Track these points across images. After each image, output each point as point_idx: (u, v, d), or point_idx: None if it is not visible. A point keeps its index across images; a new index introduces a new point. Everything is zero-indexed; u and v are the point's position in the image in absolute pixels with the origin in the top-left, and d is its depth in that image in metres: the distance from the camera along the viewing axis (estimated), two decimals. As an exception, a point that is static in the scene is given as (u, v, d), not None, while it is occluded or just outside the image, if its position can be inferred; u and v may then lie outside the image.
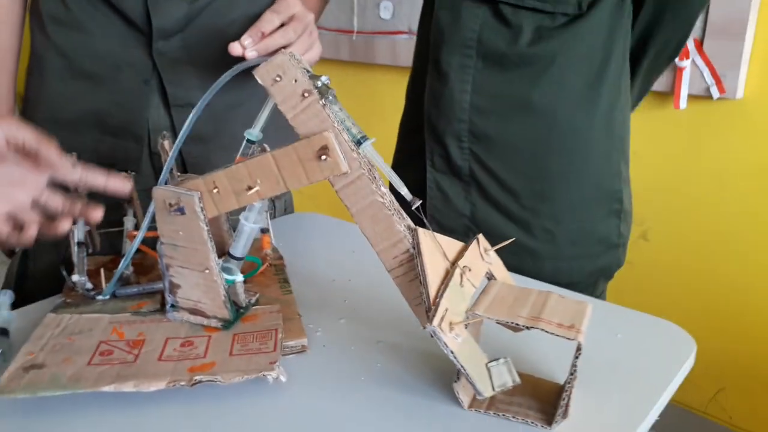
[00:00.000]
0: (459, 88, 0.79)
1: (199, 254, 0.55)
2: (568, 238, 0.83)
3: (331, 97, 0.49)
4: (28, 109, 0.84)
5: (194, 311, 0.58)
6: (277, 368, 0.50)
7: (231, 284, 0.58)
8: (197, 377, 0.50)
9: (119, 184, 0.60)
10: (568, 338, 0.45)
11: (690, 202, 1.36)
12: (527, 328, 0.47)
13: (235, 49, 0.64)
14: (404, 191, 0.51)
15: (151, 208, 0.56)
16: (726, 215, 1.32)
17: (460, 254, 0.51)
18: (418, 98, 0.87)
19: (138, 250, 0.61)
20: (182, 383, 0.50)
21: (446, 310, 0.46)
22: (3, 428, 0.49)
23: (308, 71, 0.49)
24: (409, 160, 0.91)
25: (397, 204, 0.51)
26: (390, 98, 1.91)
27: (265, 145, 0.56)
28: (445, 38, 0.79)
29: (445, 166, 0.83)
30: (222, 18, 0.80)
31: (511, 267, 0.60)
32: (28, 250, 0.82)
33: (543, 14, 0.76)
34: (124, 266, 0.61)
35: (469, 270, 0.50)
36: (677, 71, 1.25)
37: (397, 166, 0.96)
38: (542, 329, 0.46)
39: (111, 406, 0.50)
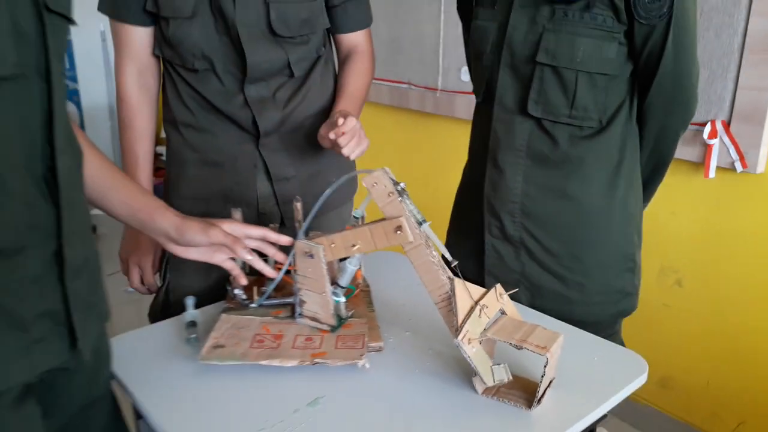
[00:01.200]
0: (513, 179, 1.08)
1: (319, 283, 0.88)
2: (595, 290, 1.09)
3: (405, 196, 0.81)
4: (170, 189, 1.18)
5: (313, 319, 0.91)
6: (364, 359, 0.82)
7: (337, 303, 0.91)
8: (316, 360, 0.83)
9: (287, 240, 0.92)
10: (541, 354, 0.74)
11: (718, 256, 1.57)
12: (518, 347, 0.76)
13: (340, 151, 0.98)
14: (447, 255, 0.81)
15: (292, 252, 0.89)
16: (747, 267, 1.51)
17: (482, 296, 0.81)
18: (476, 183, 1.15)
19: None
20: (307, 363, 0.82)
21: (467, 331, 0.76)
22: (210, 378, 0.83)
23: (392, 179, 0.81)
24: (467, 227, 1.19)
25: (442, 262, 0.81)
26: (464, 146, 2.21)
27: (364, 215, 0.88)
28: (502, 144, 1.08)
29: (500, 234, 1.11)
30: (304, 116, 1.14)
31: (552, 311, 0.90)
32: (169, 287, 1.18)
33: (574, 127, 1.03)
34: (271, 289, 0.94)
35: (486, 307, 0.80)
36: (708, 147, 1.47)
37: (455, 232, 1.25)
38: (527, 348, 0.75)
39: (263, 373, 0.83)
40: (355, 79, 1.15)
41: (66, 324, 0.66)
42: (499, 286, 0.84)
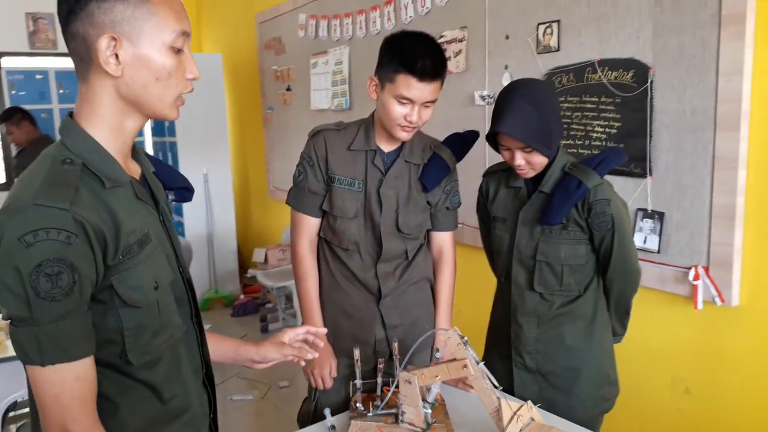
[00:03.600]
0: (528, 330, 1.63)
1: (414, 400, 1.40)
2: (587, 397, 1.61)
3: (468, 345, 1.33)
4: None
5: (410, 424, 1.42)
6: (445, 449, 1.32)
7: (426, 413, 1.41)
8: (415, 450, 1.33)
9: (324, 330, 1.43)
10: (554, 446, 1.22)
11: (716, 369, 1.98)
12: (541, 441, 1.24)
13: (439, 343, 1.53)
14: (495, 382, 1.32)
15: (396, 380, 1.41)
16: (739, 378, 1.91)
17: (519, 408, 1.30)
18: (502, 331, 1.69)
19: (383, 393, 1.47)
20: (410, 452, 1.33)
21: (508, 431, 1.25)
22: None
23: (459, 335, 1.34)
24: (498, 359, 1.70)
25: (491, 386, 1.32)
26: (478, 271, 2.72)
27: (438, 357, 1.41)
28: (519, 309, 1.64)
29: (523, 366, 1.65)
30: (409, 284, 1.70)
31: (560, 414, 1.39)
32: (317, 400, 1.70)
33: (563, 296, 1.59)
34: (382, 405, 1.46)
35: (521, 416, 1.29)
36: (694, 286, 1.94)
37: (487, 361, 1.74)
38: (546, 442, 1.23)
39: (383, 458, 1.33)
40: (447, 293, 1.75)
41: None
42: (530, 402, 1.33)
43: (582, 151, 2.27)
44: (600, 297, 1.62)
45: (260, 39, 4.73)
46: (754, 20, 1.76)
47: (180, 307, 1.04)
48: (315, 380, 1.69)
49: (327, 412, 1.52)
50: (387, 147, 1.66)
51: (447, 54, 2.83)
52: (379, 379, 1.57)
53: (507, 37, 2.55)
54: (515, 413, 1.28)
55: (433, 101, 1.55)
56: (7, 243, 0.82)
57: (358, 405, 1.51)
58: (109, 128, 0.94)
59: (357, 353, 1.54)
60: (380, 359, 1.56)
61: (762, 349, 1.86)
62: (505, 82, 2.56)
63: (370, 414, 1.49)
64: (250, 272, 4.48)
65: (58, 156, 0.91)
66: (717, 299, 1.90)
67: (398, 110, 1.53)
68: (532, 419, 1.31)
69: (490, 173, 1.75)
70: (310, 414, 1.71)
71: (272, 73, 4.56)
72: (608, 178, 1.56)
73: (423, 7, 2.98)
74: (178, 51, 0.93)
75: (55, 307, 0.83)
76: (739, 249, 1.87)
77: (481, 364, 1.32)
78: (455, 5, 2.81)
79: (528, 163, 1.52)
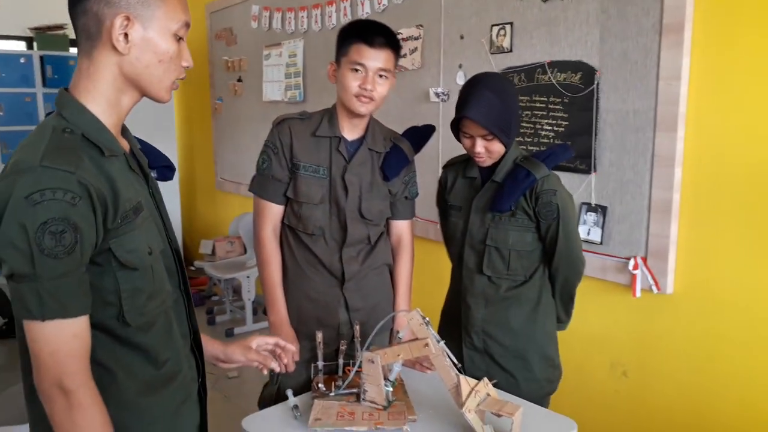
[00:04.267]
0: (476, 311, 1.71)
1: (377, 379, 1.45)
2: (531, 378, 1.70)
3: (429, 325, 1.39)
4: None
5: (372, 402, 1.47)
6: (406, 425, 1.38)
7: (387, 391, 1.47)
8: (378, 427, 1.38)
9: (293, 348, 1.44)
10: (510, 417, 1.30)
11: (652, 353, 2.13)
12: (498, 415, 1.32)
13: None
14: (455, 360, 1.39)
15: (359, 359, 1.46)
16: (672, 361, 2.06)
17: (476, 385, 1.37)
18: (453, 312, 1.77)
19: (344, 372, 1.52)
20: (372, 428, 1.38)
21: (467, 405, 1.33)
22: (312, 439, 1.38)
23: (422, 316, 1.40)
24: (450, 339, 1.73)
25: (451, 364, 1.38)
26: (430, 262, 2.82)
27: (400, 337, 1.47)
28: (468, 291, 1.72)
29: (472, 346, 1.72)
30: (372, 269, 1.75)
31: (508, 392, 1.47)
32: (279, 383, 1.73)
33: (510, 280, 1.68)
34: (345, 385, 1.51)
35: (477, 391, 1.36)
36: (633, 275, 2.08)
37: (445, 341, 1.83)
38: (502, 415, 1.31)
39: (347, 434, 1.38)
40: (406, 278, 1.81)
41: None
42: (485, 378, 1.41)
43: (531, 147, 2.38)
44: (545, 284, 1.71)
45: (210, 29, 4.68)
46: (691, 29, 1.91)
47: (170, 276, 1.08)
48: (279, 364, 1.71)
49: (289, 392, 1.55)
50: (350, 135, 1.71)
51: (402, 51, 2.90)
52: (341, 361, 1.61)
53: (462, 37, 2.64)
54: (473, 389, 1.36)
55: (386, 71, 1.62)
56: (15, 201, 0.86)
57: (320, 386, 1.55)
58: (107, 103, 1.00)
59: (320, 336, 1.58)
60: (342, 341, 1.61)
61: (692, 334, 2.02)
62: (460, 81, 2.65)
63: (333, 394, 1.53)
64: (197, 264, 4.42)
65: (58, 126, 0.94)
66: (654, 287, 2.04)
67: (353, 79, 1.61)
68: (488, 394, 1.39)
69: (449, 165, 1.84)
70: (273, 397, 1.73)
71: (223, 63, 4.52)
72: (557, 173, 1.66)
73: (380, 3, 3.04)
74: (179, 39, 1.01)
75: (57, 265, 0.87)
76: (675, 240, 2.01)
77: (442, 342, 1.39)
78: (411, 4, 2.88)
79: (487, 150, 1.60)
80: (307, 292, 1.72)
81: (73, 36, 4.91)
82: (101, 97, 0.99)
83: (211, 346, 1.30)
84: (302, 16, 3.61)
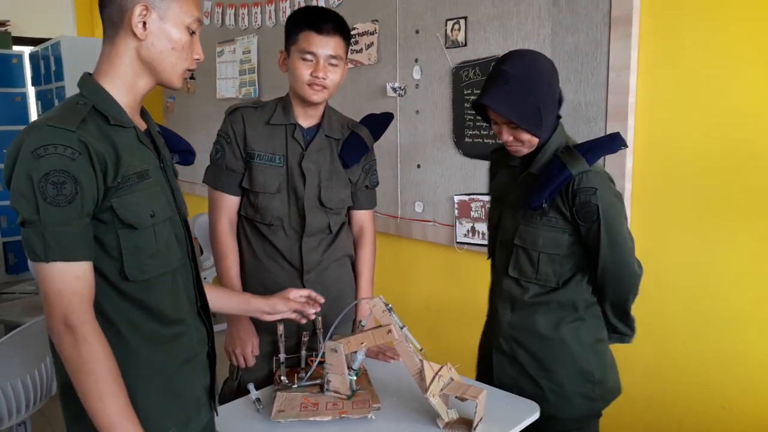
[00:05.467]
0: (501, 314, 1.56)
1: (340, 368, 1.44)
2: (561, 393, 1.50)
3: (392, 312, 1.39)
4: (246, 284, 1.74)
5: (336, 392, 1.46)
6: (371, 413, 1.37)
7: (351, 380, 1.46)
8: (342, 415, 1.37)
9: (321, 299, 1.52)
10: (473, 400, 1.31)
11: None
12: (462, 399, 1.33)
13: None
14: (418, 345, 1.39)
15: (322, 348, 1.45)
16: (618, 357, 2.11)
17: (439, 369, 1.38)
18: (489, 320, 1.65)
19: (307, 364, 1.50)
20: (337, 417, 1.37)
21: (432, 389, 1.33)
22: (277, 429, 1.36)
23: (384, 303, 1.40)
24: (486, 341, 1.66)
25: (414, 350, 1.39)
26: (421, 261, 2.83)
27: (363, 325, 1.46)
28: (495, 292, 1.59)
29: (500, 350, 1.56)
30: (333, 259, 1.74)
31: (536, 400, 1.45)
32: (240, 378, 1.71)
33: (539, 285, 1.49)
34: (308, 376, 1.49)
35: (442, 376, 1.37)
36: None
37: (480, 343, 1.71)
38: (466, 398, 1.32)
39: (308, 426, 1.37)
40: (368, 268, 1.80)
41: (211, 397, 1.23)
42: (449, 363, 1.42)
43: (487, 140, 2.41)
44: (583, 292, 1.50)
45: (161, 26, 4.57)
46: (638, 22, 1.97)
47: (179, 243, 1.18)
48: (237, 359, 1.68)
49: (251, 386, 1.53)
50: (306, 123, 1.69)
51: (359, 47, 2.90)
52: (304, 353, 1.60)
53: (417, 32, 2.65)
54: (436, 374, 1.36)
55: (336, 58, 1.61)
56: (23, 155, 1.00)
57: (282, 378, 1.53)
58: (124, 84, 1.13)
59: (281, 328, 1.56)
60: (305, 332, 1.59)
61: (645, 322, 2.07)
62: (416, 75, 2.67)
63: (295, 386, 1.51)
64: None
65: (74, 99, 1.09)
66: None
67: (304, 67, 1.59)
68: (452, 379, 1.40)
69: (495, 151, 1.70)
70: (233, 392, 1.70)
71: (175, 61, 4.42)
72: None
73: (335, -2, 3.03)
74: (192, 33, 1.15)
75: (59, 212, 0.99)
76: (627, 228, 2.07)
77: (405, 329, 1.39)
78: (367, -1, 2.88)
79: (516, 139, 1.44)
80: (267, 285, 1.69)
81: (15, 34, 4.73)
82: (118, 78, 1.12)
83: (255, 301, 1.45)
84: (256, 12, 3.57)
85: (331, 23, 1.59)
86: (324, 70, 1.59)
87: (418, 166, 2.71)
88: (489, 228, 1.67)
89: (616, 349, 1.62)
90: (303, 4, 3.23)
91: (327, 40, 1.58)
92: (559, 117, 1.50)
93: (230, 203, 1.70)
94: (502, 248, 1.57)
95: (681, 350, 1.99)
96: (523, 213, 1.48)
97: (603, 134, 2.06)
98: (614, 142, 1.46)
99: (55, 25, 5.21)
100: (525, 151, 1.47)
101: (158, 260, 1.12)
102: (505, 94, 1.39)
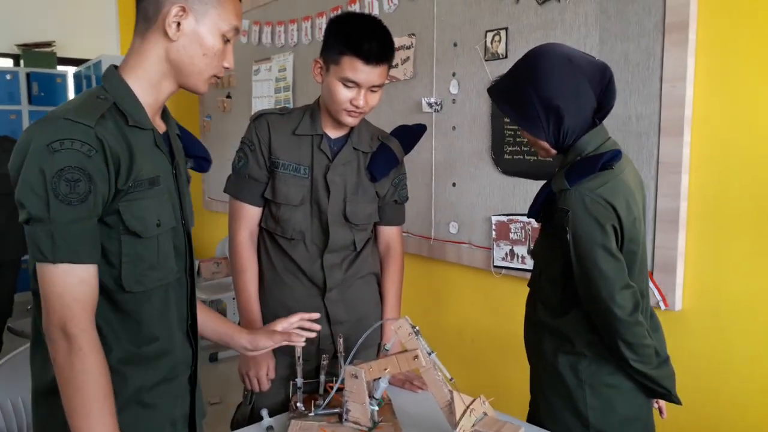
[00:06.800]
0: (524, 328, 1.48)
1: (361, 396, 1.30)
2: (558, 423, 1.36)
3: (419, 335, 1.25)
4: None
5: (356, 422, 1.32)
6: (394, 447, 1.22)
7: (373, 410, 1.32)
8: (361, 449, 1.23)
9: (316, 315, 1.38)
10: (510, 439, 1.15)
11: (657, 375, 1.99)
12: (496, 435, 1.17)
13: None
14: (448, 374, 1.24)
15: (342, 374, 1.32)
16: (683, 378, 1.92)
17: (471, 403, 1.23)
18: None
19: (326, 390, 1.37)
20: (355, 451, 1.22)
21: (462, 425, 1.18)
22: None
23: (411, 324, 1.26)
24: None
25: (444, 380, 1.24)
26: (455, 286, 2.68)
27: (387, 349, 1.32)
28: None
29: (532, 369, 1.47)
30: (356, 277, 1.61)
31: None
32: (254, 403, 1.58)
33: (543, 305, 1.39)
34: (325, 403, 1.36)
35: (474, 410, 1.21)
36: (638, 289, 1.94)
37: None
38: (501, 436, 1.16)
39: (326, 459, 1.23)
40: (395, 287, 1.66)
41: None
42: (482, 396, 1.26)
43: (528, 157, 2.27)
44: (586, 327, 1.33)
45: (200, 46, 4.59)
46: (695, 29, 1.81)
47: (177, 256, 1.12)
48: (251, 382, 1.56)
49: (264, 412, 1.40)
50: (334, 133, 1.59)
51: (394, 62, 2.81)
52: (323, 378, 1.47)
53: (455, 45, 2.54)
54: (468, 407, 1.21)
55: (380, 86, 1.49)
56: (36, 148, 0.93)
57: (298, 405, 1.40)
58: (148, 82, 1.07)
59: (299, 350, 1.43)
60: (324, 356, 1.46)
61: (704, 352, 1.88)
62: (453, 90, 2.55)
63: (312, 414, 1.38)
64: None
65: (95, 93, 1.04)
66: (661, 304, 1.90)
67: (344, 94, 1.47)
68: (485, 414, 1.25)
69: None
70: (245, 418, 1.58)
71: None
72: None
73: (371, 13, 2.96)
74: (226, 41, 1.10)
75: (70, 211, 0.94)
76: (683, 253, 1.88)
77: (433, 354, 1.25)
78: (403, 13, 2.79)
79: (530, 141, 1.36)
80: (285, 302, 1.57)
81: (60, 54, 4.82)
82: (144, 75, 1.06)
83: (238, 336, 1.34)
84: (292, 29, 3.53)
85: (379, 50, 1.45)
86: (365, 97, 1.48)
87: (454, 184, 2.58)
88: None
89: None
90: (339, 20, 3.17)
91: (373, 70, 1.45)
92: (595, 123, 1.33)
93: (252, 214, 1.59)
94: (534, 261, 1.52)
95: (743, 385, 1.79)
96: (541, 227, 1.44)
97: (655, 150, 1.90)
98: (596, 161, 1.27)
99: (100, 45, 5.30)
100: (545, 154, 1.38)
101: (156, 272, 1.07)
102: (504, 87, 1.36)
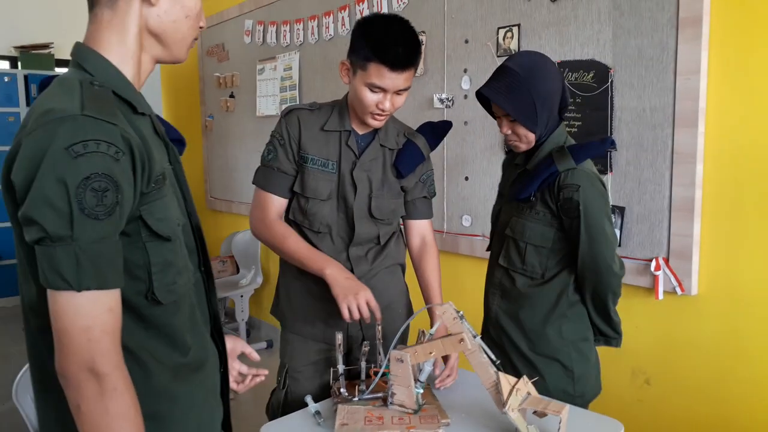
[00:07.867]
0: (492, 302, 1.66)
1: (406, 380, 1.34)
2: (542, 387, 1.49)
3: (464, 319, 1.30)
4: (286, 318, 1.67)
5: (401, 405, 1.36)
6: (441, 429, 1.27)
7: (417, 393, 1.36)
8: (409, 430, 1.27)
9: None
10: (557, 415, 1.20)
11: (675, 359, 2.05)
12: (541, 414, 1.22)
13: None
14: (492, 356, 1.29)
15: (386, 359, 1.36)
16: (696, 367, 1.98)
17: (516, 383, 1.28)
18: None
19: (368, 376, 1.41)
20: None
21: (510, 403, 1.23)
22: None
23: (455, 309, 1.30)
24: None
25: (489, 361, 1.28)
26: (468, 277, 2.73)
27: (431, 334, 1.37)
28: (489, 280, 1.68)
29: (490, 339, 1.64)
30: (382, 269, 1.65)
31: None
32: (288, 390, 1.61)
33: (525, 276, 1.57)
34: (371, 388, 1.40)
35: (519, 389, 1.26)
36: (655, 277, 2.01)
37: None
38: (549, 413, 1.21)
39: (377, 440, 1.27)
40: (436, 276, 1.70)
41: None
42: (525, 377, 1.31)
43: (542, 150, 2.32)
44: (568, 290, 1.56)
45: (201, 46, 4.61)
46: (709, 23, 1.88)
47: (190, 254, 0.99)
48: (351, 310, 1.44)
49: (309, 398, 1.44)
50: (361, 129, 1.62)
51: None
52: (363, 363, 1.51)
53: (466, 41, 2.59)
54: (513, 387, 1.26)
55: (406, 89, 1.53)
56: (54, 153, 0.76)
57: (342, 390, 1.44)
58: (132, 60, 0.92)
59: (339, 338, 1.48)
60: (365, 342, 1.50)
61: (718, 337, 1.94)
62: (465, 86, 2.60)
63: (356, 399, 1.42)
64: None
65: (84, 79, 0.86)
66: (677, 289, 1.97)
67: (370, 98, 1.50)
68: (529, 393, 1.29)
69: (508, 152, 1.83)
70: (280, 403, 1.61)
71: (214, 80, 4.44)
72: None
73: (380, 11, 3.00)
74: None
75: (97, 227, 0.78)
76: (698, 239, 1.95)
77: (478, 338, 1.29)
78: (413, 10, 2.84)
79: (514, 133, 1.53)
80: (314, 292, 1.61)
81: (58, 56, 4.77)
82: (126, 53, 0.91)
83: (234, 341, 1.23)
84: (298, 29, 3.57)
85: (405, 56, 1.46)
86: (391, 101, 1.51)
87: (466, 178, 2.63)
88: (491, 220, 1.77)
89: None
90: (347, 20, 3.21)
91: (399, 76, 1.47)
92: (561, 120, 1.57)
93: (278, 205, 1.62)
94: (497, 239, 1.68)
95: (759, 370, 1.85)
96: (517, 206, 1.58)
97: (670, 141, 1.97)
98: (603, 144, 1.56)
99: (97, 47, 5.28)
100: (523, 147, 1.56)
101: (182, 277, 0.94)
102: (503, 86, 1.49)
